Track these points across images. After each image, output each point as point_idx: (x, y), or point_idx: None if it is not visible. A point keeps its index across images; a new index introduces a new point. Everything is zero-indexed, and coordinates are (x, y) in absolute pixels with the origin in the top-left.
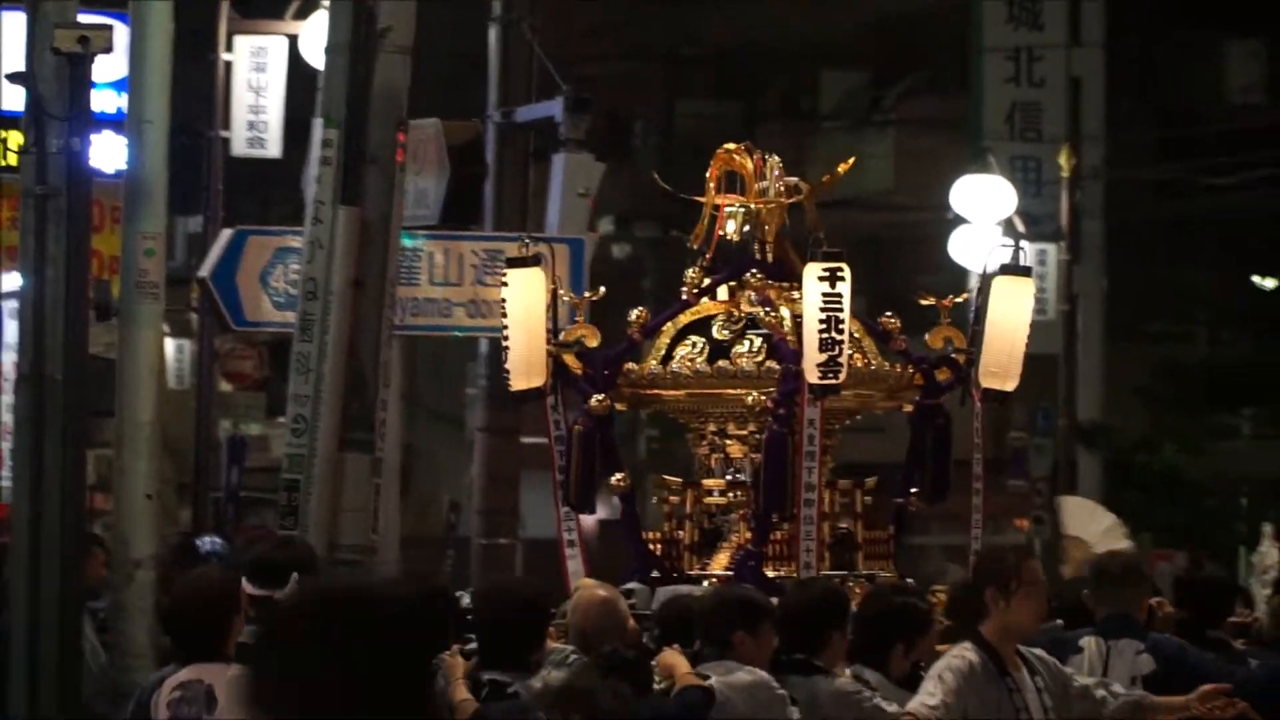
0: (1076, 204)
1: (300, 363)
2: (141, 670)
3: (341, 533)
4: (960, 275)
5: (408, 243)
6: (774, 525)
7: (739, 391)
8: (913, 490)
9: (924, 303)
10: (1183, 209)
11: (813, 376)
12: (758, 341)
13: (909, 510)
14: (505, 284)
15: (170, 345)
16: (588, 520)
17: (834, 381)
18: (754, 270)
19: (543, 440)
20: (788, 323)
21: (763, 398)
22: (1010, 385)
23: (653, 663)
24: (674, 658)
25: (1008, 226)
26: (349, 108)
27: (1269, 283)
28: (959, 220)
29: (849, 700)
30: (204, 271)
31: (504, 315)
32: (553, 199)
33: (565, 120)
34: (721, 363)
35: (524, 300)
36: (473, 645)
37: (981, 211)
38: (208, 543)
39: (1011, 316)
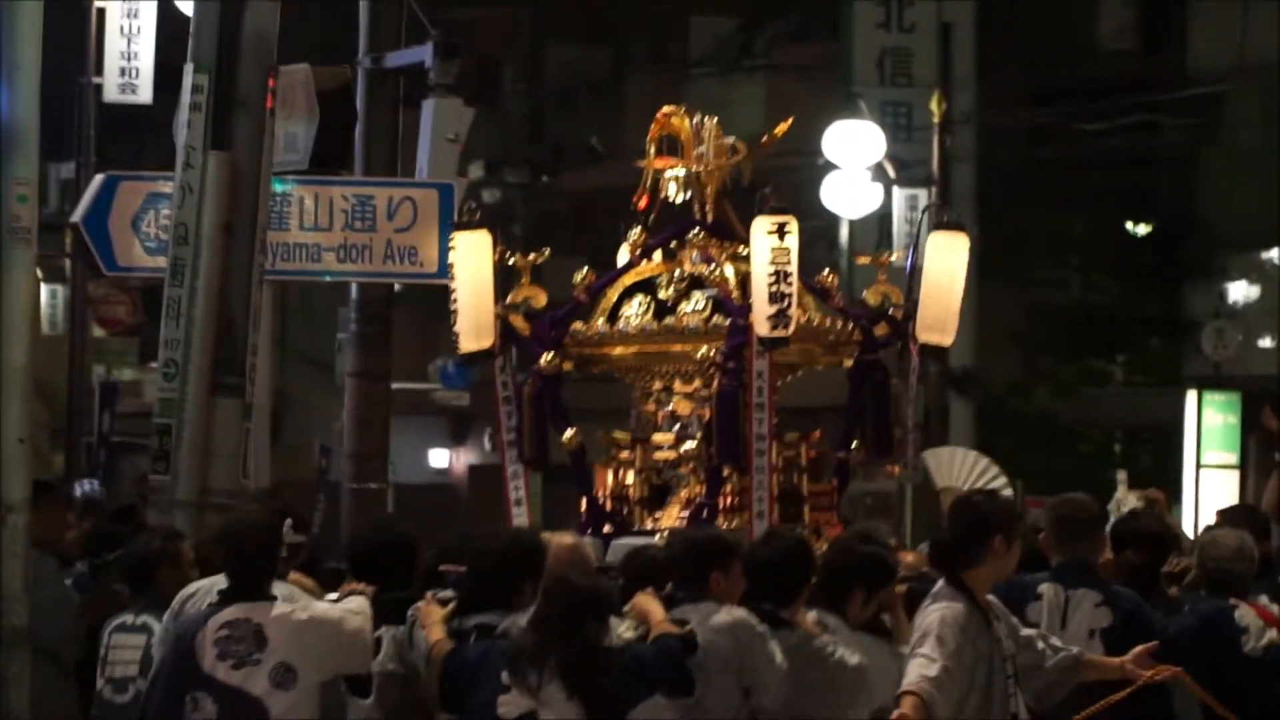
0: (947, 149)
1: (171, 307)
2: (16, 614)
3: (212, 477)
4: (832, 221)
5: (278, 188)
6: (725, 478)
7: (687, 347)
8: (854, 444)
9: (861, 262)
10: (1054, 154)
11: (763, 329)
12: (702, 299)
13: (850, 464)
14: (453, 247)
15: (44, 291)
16: (459, 467)
17: (783, 334)
18: (696, 230)
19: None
20: (732, 280)
21: (712, 352)
22: (948, 339)
23: (625, 609)
24: (649, 603)
25: (878, 172)
26: (219, 54)
27: (1141, 228)
28: (830, 166)
29: (813, 654)
30: (76, 217)
31: (452, 278)
32: (422, 144)
33: (435, 66)
34: (669, 320)
35: (471, 263)
36: (446, 594)
37: (852, 157)
38: (85, 486)
39: (947, 272)
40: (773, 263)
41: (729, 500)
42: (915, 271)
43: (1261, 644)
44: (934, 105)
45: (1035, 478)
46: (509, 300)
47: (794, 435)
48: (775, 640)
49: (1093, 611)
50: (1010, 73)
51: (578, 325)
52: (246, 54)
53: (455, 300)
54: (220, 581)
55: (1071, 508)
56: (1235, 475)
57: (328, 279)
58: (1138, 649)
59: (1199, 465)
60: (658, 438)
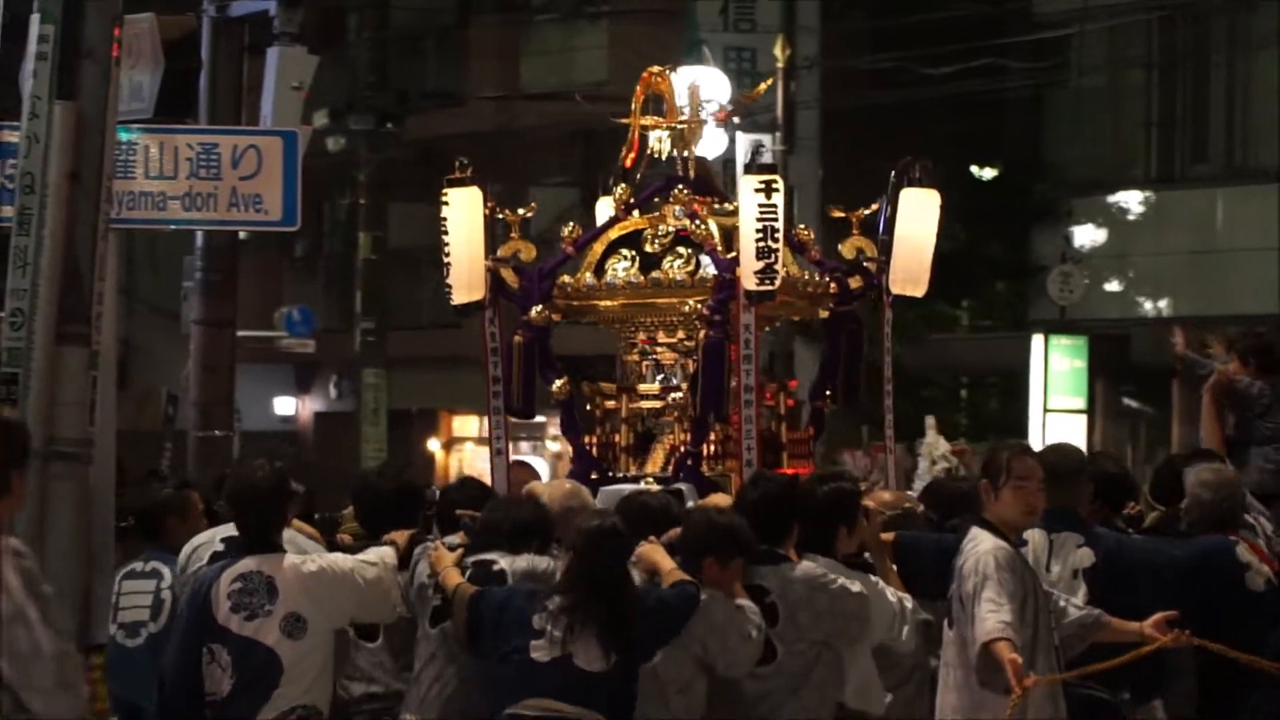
0: (792, 95)
1: (18, 256)
2: None
3: (59, 426)
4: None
5: (123, 136)
6: (710, 426)
7: (673, 300)
8: (828, 393)
9: (835, 215)
10: (899, 99)
11: (750, 283)
12: (687, 253)
13: (824, 412)
14: (445, 202)
15: None
16: (305, 415)
17: (770, 287)
18: (680, 186)
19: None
20: (716, 235)
21: (698, 305)
22: (920, 290)
23: (631, 560)
24: (656, 553)
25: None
26: (65, 3)
27: (987, 172)
28: None
29: (817, 584)
30: None
31: (444, 233)
32: (267, 92)
33: (279, 14)
34: (655, 274)
35: (463, 218)
36: (453, 539)
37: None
38: None
39: (919, 226)
40: (760, 219)
41: (713, 448)
42: (888, 226)
43: (1262, 580)
44: (778, 50)
45: (872, 424)
46: (499, 254)
47: (772, 385)
48: (779, 574)
49: (1075, 552)
50: (855, 17)
51: (565, 278)
52: (92, 4)
53: (447, 254)
54: (222, 532)
55: (1056, 455)
56: (1083, 420)
57: (173, 228)
58: (1156, 616)
59: (1046, 410)
60: (643, 388)
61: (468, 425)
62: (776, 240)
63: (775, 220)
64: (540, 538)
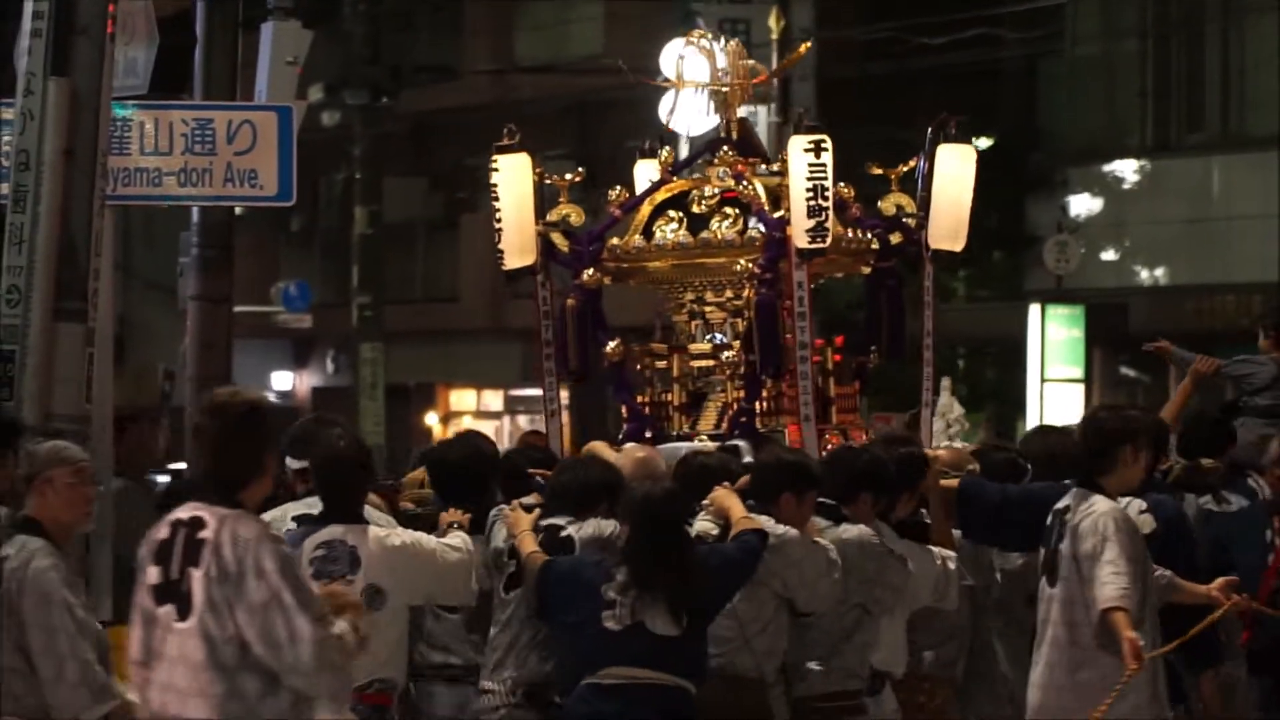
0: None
1: (14, 234)
2: None
3: (56, 403)
4: (671, 140)
5: (118, 113)
6: (763, 383)
7: (722, 259)
8: (872, 348)
9: (875, 173)
10: (894, 69)
11: (802, 241)
12: (734, 213)
13: (869, 367)
14: (496, 169)
15: None
16: (302, 390)
17: (822, 245)
18: (725, 148)
19: (256, 308)
20: (763, 195)
21: (749, 264)
22: (958, 245)
23: (705, 503)
24: (729, 499)
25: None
26: None
27: (982, 142)
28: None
29: (869, 550)
30: None
31: (495, 200)
32: (261, 67)
33: None
34: (704, 234)
35: (513, 184)
36: (529, 500)
37: (691, 75)
38: None
39: (956, 182)
40: (810, 178)
41: (766, 404)
42: (926, 182)
43: None
44: (772, 22)
45: (878, 394)
46: (549, 218)
47: (819, 340)
48: (834, 533)
49: (1137, 517)
50: None
51: (615, 241)
52: None
53: (499, 220)
54: (293, 509)
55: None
56: (1080, 389)
57: (168, 204)
58: (1222, 579)
59: (1043, 380)
60: (695, 347)
61: (465, 399)
62: (826, 199)
63: (825, 179)
64: (608, 499)
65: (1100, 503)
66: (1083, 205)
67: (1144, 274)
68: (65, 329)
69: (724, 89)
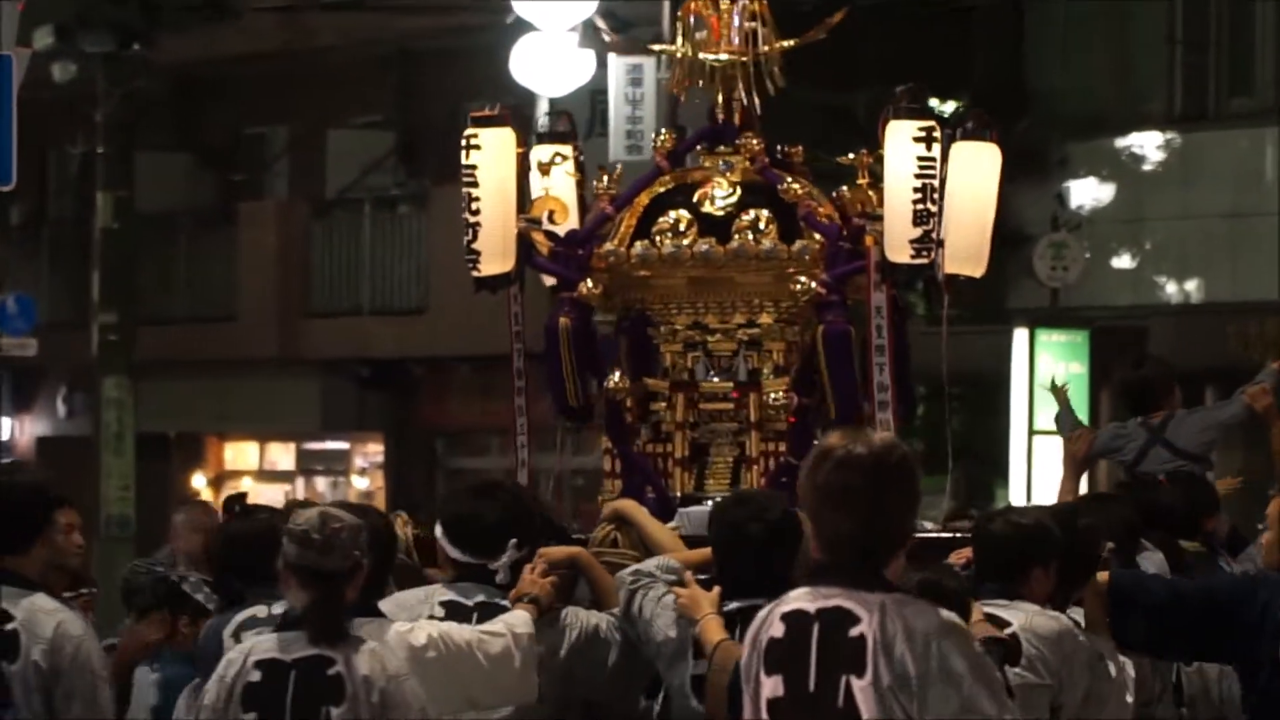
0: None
1: None
2: None
3: None
4: (526, 98)
5: None
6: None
7: (766, 277)
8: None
9: (843, 161)
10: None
11: (902, 255)
12: (764, 215)
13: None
14: (475, 146)
15: None
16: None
17: (927, 260)
18: (747, 134)
19: None
20: (815, 193)
21: (812, 284)
22: (979, 269)
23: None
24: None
25: (589, 35)
26: None
27: (949, 106)
28: (523, 27)
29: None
30: None
31: (473, 185)
32: None
33: None
34: (735, 242)
35: (494, 167)
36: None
37: (553, 16)
38: None
39: (977, 189)
40: (919, 175)
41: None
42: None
43: None
44: None
45: None
46: (529, 213)
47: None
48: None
49: None
50: None
51: (608, 246)
52: None
53: (477, 211)
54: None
55: None
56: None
57: None
58: None
59: (1031, 431)
60: (708, 385)
61: (245, 454)
62: (935, 202)
63: (935, 177)
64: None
65: None
66: (1087, 193)
67: (1169, 287)
68: None
69: (741, 59)
